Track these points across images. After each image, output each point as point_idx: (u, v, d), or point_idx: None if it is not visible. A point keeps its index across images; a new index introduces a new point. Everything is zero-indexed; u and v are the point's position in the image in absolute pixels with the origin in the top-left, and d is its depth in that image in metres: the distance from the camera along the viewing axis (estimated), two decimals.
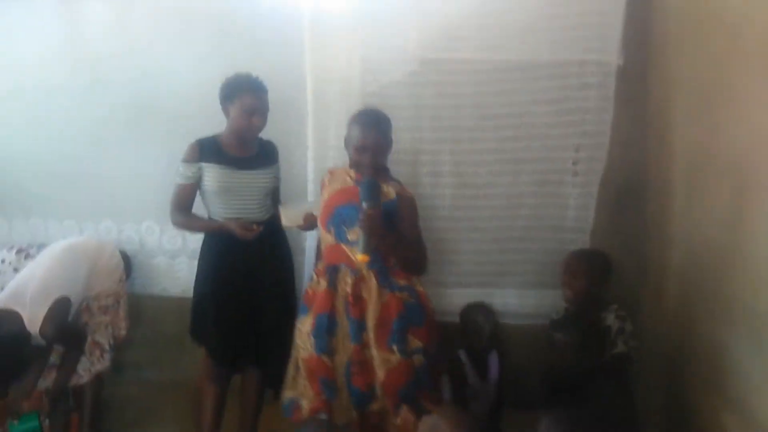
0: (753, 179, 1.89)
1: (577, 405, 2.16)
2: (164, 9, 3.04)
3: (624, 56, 2.65)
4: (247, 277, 2.66)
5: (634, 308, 2.63)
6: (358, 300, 2.34)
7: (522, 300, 2.91)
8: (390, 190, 2.35)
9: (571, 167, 2.84)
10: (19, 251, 3.02)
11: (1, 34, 3.19)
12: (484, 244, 2.99)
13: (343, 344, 2.36)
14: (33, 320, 2.44)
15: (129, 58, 3.06)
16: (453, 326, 2.94)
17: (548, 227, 2.92)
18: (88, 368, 2.81)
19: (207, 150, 2.66)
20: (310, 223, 2.55)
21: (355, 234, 2.27)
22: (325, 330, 2.35)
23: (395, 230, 2.31)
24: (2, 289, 2.65)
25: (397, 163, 2.91)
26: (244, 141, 2.65)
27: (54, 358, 2.76)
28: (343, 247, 2.34)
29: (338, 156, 2.92)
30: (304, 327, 2.42)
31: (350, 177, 2.40)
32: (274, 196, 2.80)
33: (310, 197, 2.97)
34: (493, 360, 2.77)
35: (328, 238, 2.40)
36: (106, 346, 2.85)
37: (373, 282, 2.34)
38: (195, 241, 3.19)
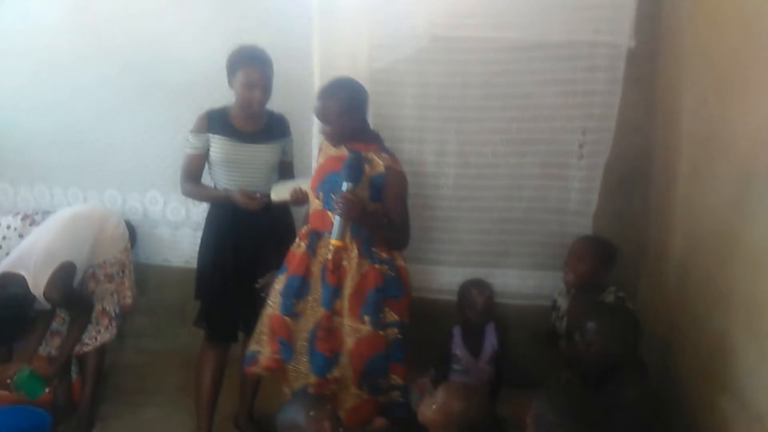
0: (758, 169, 1.88)
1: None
2: None
3: (635, 38, 2.62)
4: (248, 249, 2.66)
5: (632, 293, 2.64)
6: (337, 267, 2.33)
7: (523, 281, 2.92)
8: (379, 163, 2.34)
9: (576, 150, 2.82)
10: (24, 217, 3.03)
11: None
12: (487, 224, 2.99)
13: (312, 309, 2.38)
14: (37, 283, 2.46)
15: (135, 25, 3.04)
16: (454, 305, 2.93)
17: (551, 209, 2.92)
18: (94, 336, 2.83)
19: (215, 121, 2.66)
20: (296, 197, 2.57)
21: None
22: (294, 292, 2.37)
23: (381, 206, 2.34)
24: (8, 254, 2.67)
25: (401, 140, 2.94)
26: (249, 114, 2.64)
27: (56, 324, 2.79)
28: (329, 214, 2.34)
29: None
30: (278, 285, 2.44)
31: (347, 147, 2.39)
32: (287, 171, 2.80)
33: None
34: (489, 335, 2.79)
35: (316, 203, 2.41)
36: (113, 315, 2.87)
37: (354, 252, 2.34)
38: (198, 212, 3.22)
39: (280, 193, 2.60)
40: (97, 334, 2.84)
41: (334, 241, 2.27)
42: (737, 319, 1.97)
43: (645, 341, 2.47)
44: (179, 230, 3.38)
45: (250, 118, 2.65)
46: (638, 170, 2.81)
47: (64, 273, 2.52)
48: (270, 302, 2.45)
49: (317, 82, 2.90)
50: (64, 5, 3.11)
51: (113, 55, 3.12)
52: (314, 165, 2.96)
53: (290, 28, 2.89)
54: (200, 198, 2.84)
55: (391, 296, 2.36)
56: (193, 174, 2.72)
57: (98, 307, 2.82)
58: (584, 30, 2.66)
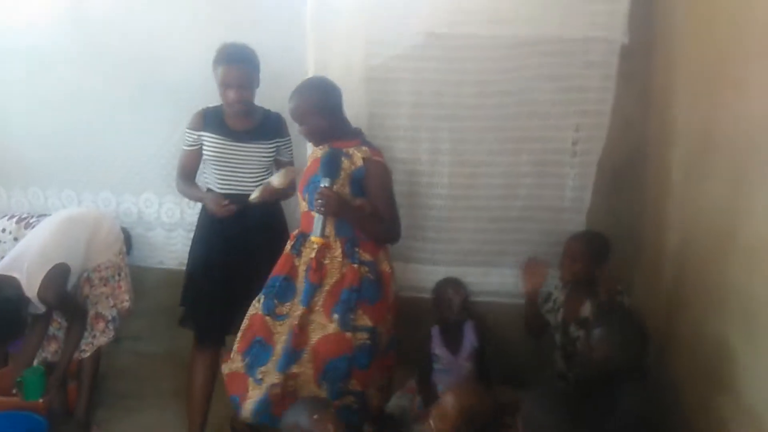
0: (753, 164, 1.88)
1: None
2: None
3: (629, 35, 2.62)
4: (237, 251, 2.65)
5: (628, 290, 2.64)
6: (320, 266, 2.35)
7: (518, 279, 2.90)
8: (358, 156, 2.34)
9: (570, 147, 2.82)
10: (19, 220, 3.02)
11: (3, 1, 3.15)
12: (482, 223, 2.98)
13: (296, 309, 2.38)
14: (30, 284, 2.45)
15: (129, 26, 3.03)
16: None
17: (546, 207, 2.91)
18: (90, 341, 2.82)
19: (209, 119, 2.67)
20: (266, 193, 2.55)
21: None
22: (275, 292, 2.40)
23: (365, 199, 2.34)
24: (2, 257, 2.65)
25: (396, 139, 2.94)
26: (234, 113, 2.62)
27: (53, 329, 2.78)
28: (314, 215, 2.35)
29: None
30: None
31: (329, 145, 2.41)
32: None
33: None
34: (468, 333, 2.79)
35: (303, 205, 2.44)
36: (109, 318, 2.86)
37: (338, 251, 2.35)
38: (193, 213, 3.19)
39: (255, 192, 2.58)
40: (93, 339, 2.83)
41: (314, 238, 2.30)
42: (733, 317, 1.97)
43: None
44: (174, 232, 3.37)
45: (242, 117, 2.65)
46: (632, 167, 2.80)
47: (58, 274, 2.51)
48: (254, 303, 2.47)
49: None
50: (58, 6, 3.09)
51: (107, 56, 3.10)
52: None
53: (285, 26, 2.89)
54: (186, 196, 2.84)
55: (365, 299, 2.34)
56: (186, 170, 2.73)
57: (93, 311, 2.81)
58: (578, 26, 2.65)
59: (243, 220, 2.60)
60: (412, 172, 2.98)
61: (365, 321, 2.34)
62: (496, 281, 3.03)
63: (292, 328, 2.36)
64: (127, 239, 3.09)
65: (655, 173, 2.68)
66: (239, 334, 2.48)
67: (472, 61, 2.78)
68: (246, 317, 2.47)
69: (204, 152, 2.67)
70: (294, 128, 2.76)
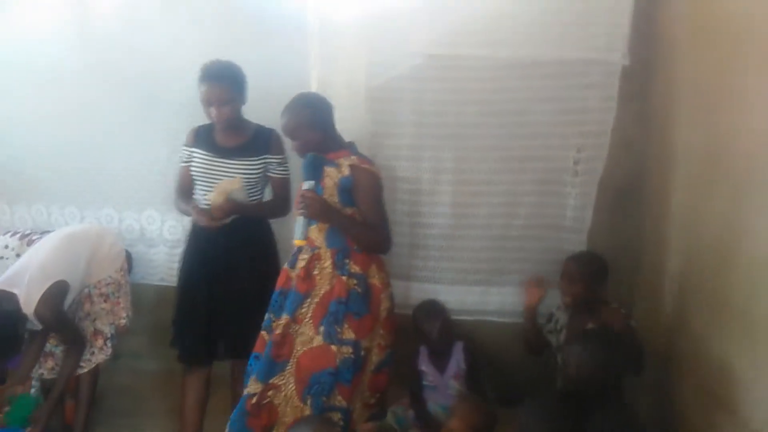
0: (754, 182, 1.89)
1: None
2: None
3: (629, 56, 2.64)
4: (221, 268, 2.62)
5: (629, 309, 2.63)
6: (308, 275, 2.35)
7: (519, 298, 2.89)
8: (344, 165, 2.36)
9: (571, 167, 2.83)
10: (22, 237, 3.02)
11: (6, 16, 3.18)
12: (483, 242, 2.98)
13: (282, 319, 2.39)
14: (29, 301, 2.45)
15: (135, 45, 3.06)
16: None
17: (547, 226, 2.91)
18: (88, 358, 2.81)
19: (200, 135, 2.70)
20: (217, 199, 2.51)
21: None
22: (274, 308, 2.42)
23: (355, 206, 2.35)
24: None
25: (398, 158, 2.96)
26: (222, 129, 2.64)
27: (50, 346, 2.77)
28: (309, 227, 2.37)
29: None
30: None
31: None
32: (278, 188, 2.73)
33: None
34: (457, 353, 2.78)
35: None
36: (108, 335, 2.85)
37: (328, 261, 2.36)
38: None
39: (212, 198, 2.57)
40: (92, 356, 2.82)
41: (296, 241, 2.30)
42: (735, 336, 1.96)
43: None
44: (176, 249, 3.33)
45: (232, 133, 2.65)
46: (633, 187, 2.81)
47: (57, 291, 2.52)
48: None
49: None
50: (62, 22, 3.12)
51: (111, 73, 3.13)
52: None
53: (288, 46, 2.91)
54: (182, 212, 2.83)
55: (352, 312, 2.33)
56: (181, 186, 2.75)
57: (92, 327, 2.81)
58: (579, 48, 2.67)
59: (227, 238, 2.58)
60: (414, 191, 2.99)
61: (349, 334, 2.32)
62: (497, 300, 3.02)
63: (273, 337, 2.35)
64: (128, 259, 3.09)
65: (656, 192, 2.69)
66: None
67: (472, 81, 2.81)
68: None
69: (191, 168, 2.69)
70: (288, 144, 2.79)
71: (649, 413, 2.59)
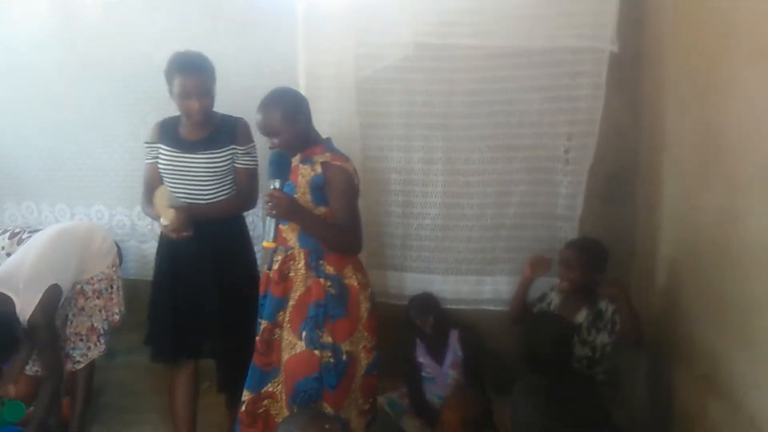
0: (744, 168, 1.89)
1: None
2: None
3: (618, 43, 2.63)
4: (193, 266, 2.55)
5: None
6: (283, 278, 2.27)
7: (513, 287, 2.89)
8: (317, 162, 2.24)
9: (562, 155, 2.83)
10: (12, 235, 3.02)
11: None
12: (476, 231, 2.99)
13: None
14: (25, 308, 2.46)
15: (122, 40, 3.04)
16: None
17: (539, 215, 2.92)
18: (84, 353, 2.82)
19: (164, 130, 2.59)
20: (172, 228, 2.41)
21: None
22: (260, 313, 2.36)
23: (327, 205, 2.25)
24: None
25: (389, 149, 2.96)
26: (192, 123, 2.53)
27: None
28: (281, 228, 2.30)
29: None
30: None
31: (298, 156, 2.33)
32: (244, 179, 2.58)
33: None
34: (453, 342, 2.80)
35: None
36: (101, 331, 2.85)
37: (301, 262, 2.27)
38: None
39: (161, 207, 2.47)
40: (88, 351, 2.83)
41: (265, 243, 2.17)
42: (728, 322, 1.97)
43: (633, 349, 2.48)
44: None
45: (195, 127, 2.54)
46: (624, 174, 2.82)
47: (51, 297, 2.53)
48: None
49: (303, 93, 2.89)
50: (50, 24, 3.11)
51: (99, 70, 3.12)
52: None
53: (275, 39, 2.90)
54: (149, 215, 2.70)
55: (328, 315, 2.25)
56: (149, 185, 2.62)
57: (87, 323, 2.81)
58: (567, 36, 2.66)
59: (198, 236, 2.48)
60: (406, 182, 2.99)
61: (327, 338, 2.24)
62: (490, 289, 3.04)
63: (257, 346, 2.30)
64: (118, 252, 3.08)
65: (648, 180, 2.69)
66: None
67: (461, 71, 2.80)
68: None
69: (158, 165, 2.58)
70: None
71: (643, 399, 2.62)
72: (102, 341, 2.86)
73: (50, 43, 3.13)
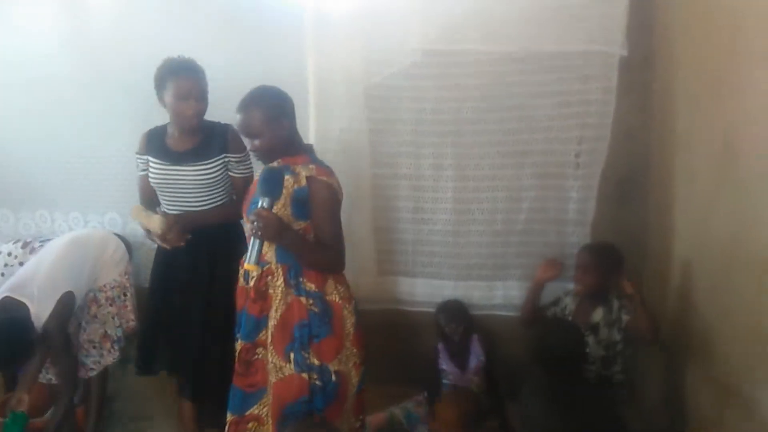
0: (757, 170, 1.88)
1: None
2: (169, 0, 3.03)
3: (627, 47, 2.62)
4: (185, 276, 2.54)
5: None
6: (261, 296, 2.12)
7: (524, 292, 2.89)
8: (302, 175, 2.09)
9: (573, 159, 2.82)
10: (24, 245, 3.05)
11: (7, 26, 3.20)
12: (486, 237, 2.98)
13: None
14: (39, 314, 2.49)
15: (134, 49, 3.06)
16: None
17: (550, 220, 2.91)
18: (98, 360, 2.84)
19: (151, 142, 2.54)
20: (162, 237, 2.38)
21: None
22: (240, 331, 2.22)
23: (308, 224, 2.11)
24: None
25: (399, 155, 2.96)
26: (184, 130, 2.46)
27: None
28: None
29: (341, 148, 2.93)
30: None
31: (278, 162, 2.17)
32: (242, 188, 2.49)
33: None
34: (474, 347, 2.79)
35: (249, 228, 2.14)
36: (115, 338, 2.87)
37: (280, 279, 2.11)
38: None
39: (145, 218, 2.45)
40: (101, 358, 2.85)
41: (248, 266, 1.97)
42: (742, 324, 1.96)
43: (648, 347, 2.47)
44: None
45: (186, 136, 2.48)
46: (635, 178, 2.81)
47: (65, 305, 2.56)
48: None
49: (312, 100, 2.92)
50: (61, 32, 3.13)
51: (112, 79, 3.13)
52: None
53: (285, 45, 2.90)
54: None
55: (312, 335, 2.10)
56: (143, 195, 2.61)
57: (100, 331, 2.84)
58: (577, 40, 2.66)
59: (194, 245, 2.45)
60: (416, 188, 2.99)
61: (313, 360, 2.10)
62: (501, 294, 3.03)
63: (237, 367, 2.18)
64: (128, 246, 3.08)
65: (659, 183, 2.68)
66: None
67: (470, 77, 2.80)
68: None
69: (149, 177, 2.53)
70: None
71: (657, 403, 2.60)
72: (115, 348, 2.88)
73: (62, 53, 3.15)
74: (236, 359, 2.17)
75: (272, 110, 2.09)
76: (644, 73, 2.69)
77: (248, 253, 1.97)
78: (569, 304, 2.68)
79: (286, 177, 2.07)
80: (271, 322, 2.12)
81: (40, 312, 2.49)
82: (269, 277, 2.13)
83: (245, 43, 2.91)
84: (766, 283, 1.82)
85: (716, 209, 2.15)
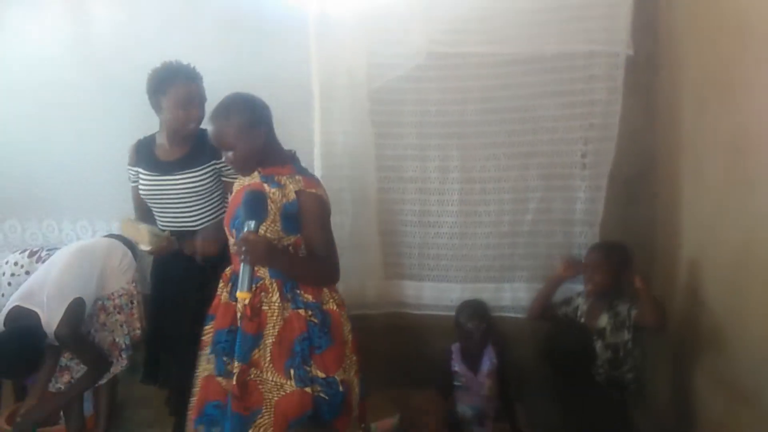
0: (765, 170, 1.87)
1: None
2: (172, 4, 3.03)
3: (633, 46, 2.61)
4: (180, 285, 2.51)
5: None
6: (255, 313, 2.03)
7: (531, 294, 2.88)
8: (289, 188, 2.02)
9: (579, 160, 2.81)
10: (31, 254, 3.05)
11: (11, 33, 3.19)
12: (493, 239, 2.97)
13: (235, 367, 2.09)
14: (50, 321, 2.49)
15: (139, 55, 3.05)
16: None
17: (557, 221, 2.90)
18: None
19: (140, 152, 2.51)
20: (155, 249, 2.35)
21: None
22: (224, 348, 2.10)
23: (298, 238, 2.05)
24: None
25: (404, 158, 2.95)
26: (177, 139, 2.41)
27: (65, 360, 2.80)
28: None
29: (345, 152, 2.93)
30: (206, 338, 2.18)
31: (259, 172, 2.08)
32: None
33: None
34: (488, 350, 2.78)
35: (231, 241, 2.10)
36: (123, 346, 2.87)
37: (276, 295, 2.04)
38: None
39: (136, 233, 2.42)
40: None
41: (240, 294, 1.86)
42: (752, 325, 1.95)
43: (656, 347, 2.46)
44: None
45: (175, 145, 2.43)
46: (642, 178, 2.79)
47: (75, 310, 2.55)
48: (202, 363, 2.20)
49: (316, 104, 2.92)
50: (67, 41, 3.13)
51: (117, 85, 3.12)
52: None
53: (288, 49, 2.89)
54: None
55: (314, 347, 2.04)
56: (137, 207, 2.59)
57: (109, 339, 2.84)
58: (581, 40, 2.65)
59: (186, 260, 2.41)
60: (422, 191, 2.99)
61: (316, 372, 2.04)
62: (509, 296, 3.02)
63: (232, 390, 2.05)
64: (134, 253, 3.08)
65: (666, 183, 2.66)
66: (192, 400, 2.20)
67: (474, 79, 2.79)
68: (197, 380, 2.20)
69: (139, 189, 2.50)
70: None
71: (666, 403, 2.58)
72: (124, 356, 2.88)
73: (68, 60, 3.14)
74: (235, 382, 2.03)
75: (244, 120, 1.99)
76: (648, 73, 2.68)
77: (239, 280, 1.86)
78: (581, 305, 2.67)
79: (273, 190, 2.01)
80: (268, 340, 2.05)
81: (51, 319, 2.49)
82: (263, 293, 2.05)
83: (249, 47, 2.91)
84: None
85: (724, 209, 2.14)
